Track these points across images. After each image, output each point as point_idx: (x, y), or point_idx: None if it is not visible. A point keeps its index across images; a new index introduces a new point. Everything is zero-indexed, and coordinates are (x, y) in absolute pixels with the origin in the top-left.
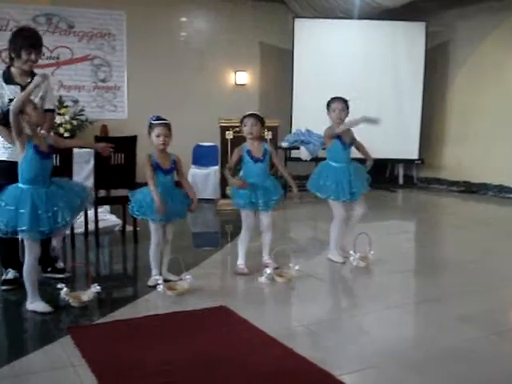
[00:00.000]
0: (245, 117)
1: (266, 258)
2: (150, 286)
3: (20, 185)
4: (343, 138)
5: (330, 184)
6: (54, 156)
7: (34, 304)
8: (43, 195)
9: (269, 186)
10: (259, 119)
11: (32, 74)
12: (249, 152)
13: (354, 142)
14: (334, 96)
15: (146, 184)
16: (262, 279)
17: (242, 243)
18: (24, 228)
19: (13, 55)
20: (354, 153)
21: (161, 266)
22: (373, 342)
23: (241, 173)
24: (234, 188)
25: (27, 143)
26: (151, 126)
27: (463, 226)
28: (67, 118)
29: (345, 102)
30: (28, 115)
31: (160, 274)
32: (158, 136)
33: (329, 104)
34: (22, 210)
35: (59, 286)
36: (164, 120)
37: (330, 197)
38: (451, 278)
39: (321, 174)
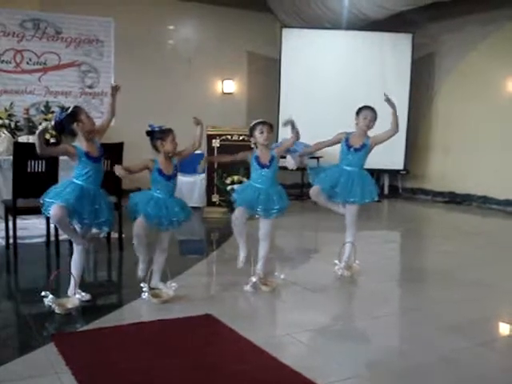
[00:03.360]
0: (258, 124)
1: (258, 269)
2: (139, 280)
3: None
4: (349, 142)
5: (326, 177)
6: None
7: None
8: (91, 191)
9: (272, 193)
10: (272, 127)
11: None
12: (257, 158)
13: (365, 146)
14: (365, 104)
15: (134, 190)
16: (248, 288)
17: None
18: (69, 199)
19: None
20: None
21: (151, 274)
22: (358, 351)
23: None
24: (240, 188)
25: (77, 151)
26: (165, 133)
27: (448, 237)
28: (53, 123)
29: (375, 112)
30: (82, 123)
31: (147, 268)
32: (173, 141)
33: (359, 111)
34: (68, 189)
35: (43, 293)
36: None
37: (322, 188)
38: (436, 287)
39: (326, 168)
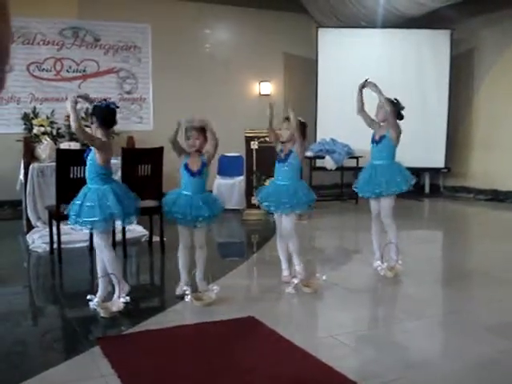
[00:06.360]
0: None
1: (298, 270)
2: (177, 296)
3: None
4: (374, 135)
5: (359, 180)
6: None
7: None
8: (96, 191)
9: (298, 188)
10: (289, 120)
11: None
12: (279, 152)
13: (383, 137)
14: None
15: None
16: (289, 289)
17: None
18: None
19: None
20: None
21: (189, 273)
22: (402, 352)
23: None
24: (262, 192)
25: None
26: (186, 129)
27: (491, 236)
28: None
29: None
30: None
31: (188, 282)
32: (188, 138)
33: None
34: (87, 204)
35: (88, 296)
36: (194, 124)
37: (359, 192)
38: (480, 288)
39: (364, 175)
